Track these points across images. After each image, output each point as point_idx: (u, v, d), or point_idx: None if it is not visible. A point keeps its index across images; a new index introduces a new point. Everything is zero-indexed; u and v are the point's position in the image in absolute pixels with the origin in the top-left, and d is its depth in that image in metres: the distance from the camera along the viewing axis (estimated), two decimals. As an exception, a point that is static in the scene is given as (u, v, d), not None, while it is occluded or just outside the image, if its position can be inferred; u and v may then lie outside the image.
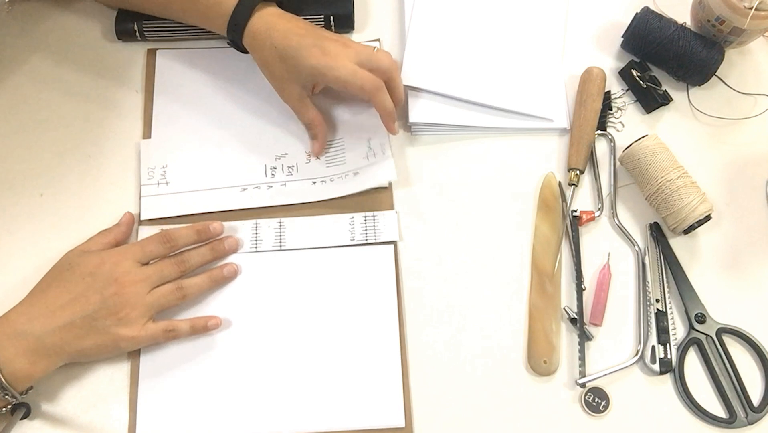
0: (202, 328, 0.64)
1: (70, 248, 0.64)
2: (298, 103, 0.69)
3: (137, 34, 0.75)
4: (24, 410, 0.60)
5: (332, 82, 0.66)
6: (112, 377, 0.64)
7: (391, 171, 0.70)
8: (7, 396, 0.57)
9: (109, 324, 0.59)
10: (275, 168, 0.71)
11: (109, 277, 0.60)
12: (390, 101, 0.67)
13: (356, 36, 0.79)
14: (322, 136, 0.70)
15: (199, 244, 0.67)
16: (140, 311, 0.60)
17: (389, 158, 0.71)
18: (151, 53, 0.77)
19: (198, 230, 0.66)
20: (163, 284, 0.63)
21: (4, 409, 0.58)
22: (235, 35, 0.67)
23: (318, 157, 0.72)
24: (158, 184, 0.70)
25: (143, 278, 0.61)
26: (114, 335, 0.59)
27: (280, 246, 0.68)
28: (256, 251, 0.68)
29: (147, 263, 0.63)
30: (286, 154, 0.72)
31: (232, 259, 0.68)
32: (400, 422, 0.62)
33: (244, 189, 0.70)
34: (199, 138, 0.73)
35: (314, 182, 0.71)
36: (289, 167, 0.71)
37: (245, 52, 0.70)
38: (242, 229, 0.69)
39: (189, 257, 0.65)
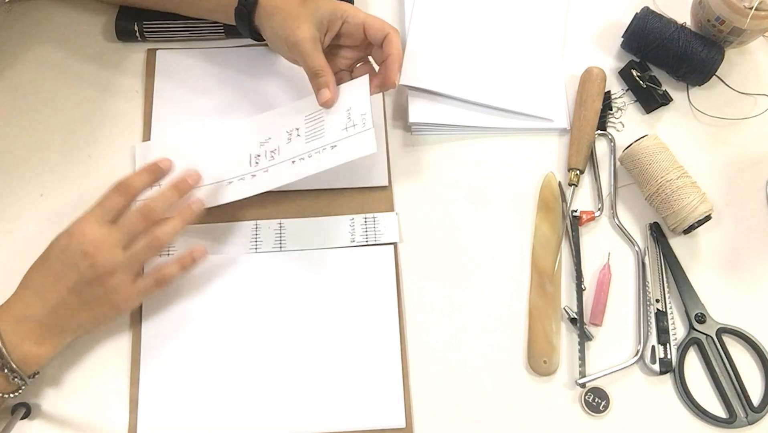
0: (191, 262, 0.63)
1: None
2: (310, 44, 0.66)
3: (137, 34, 0.75)
4: (24, 409, 0.60)
5: (352, 19, 0.67)
6: (112, 377, 0.63)
7: (371, 143, 0.64)
8: (16, 379, 0.57)
9: (97, 293, 0.59)
10: (258, 156, 0.69)
11: (78, 250, 0.59)
12: (399, 46, 0.68)
13: (356, 36, 0.79)
14: (333, 83, 0.67)
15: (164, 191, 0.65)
16: (121, 273, 0.60)
17: (370, 129, 0.65)
18: (151, 53, 0.77)
19: (149, 170, 0.65)
20: (137, 238, 0.62)
21: (12, 394, 0.59)
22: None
23: (329, 106, 0.68)
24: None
25: (113, 242, 0.60)
26: (107, 302, 0.60)
27: (281, 247, 0.68)
28: (257, 252, 0.68)
29: (114, 222, 0.62)
30: (269, 139, 0.70)
31: (233, 258, 0.68)
32: (401, 423, 0.62)
33: (230, 182, 0.68)
34: (198, 138, 0.72)
35: (293, 161, 0.67)
36: (271, 152, 0.69)
37: (251, 22, 0.69)
38: (242, 230, 0.69)
39: (154, 205, 0.63)
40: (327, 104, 0.68)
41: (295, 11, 0.66)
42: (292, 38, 0.66)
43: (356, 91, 0.68)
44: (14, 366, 0.57)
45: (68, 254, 0.59)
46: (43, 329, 0.58)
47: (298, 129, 0.69)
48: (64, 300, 0.59)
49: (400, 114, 0.75)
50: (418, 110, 0.74)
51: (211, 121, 0.74)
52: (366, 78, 0.69)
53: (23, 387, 0.59)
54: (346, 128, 0.66)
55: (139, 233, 0.61)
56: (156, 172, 0.65)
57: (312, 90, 0.68)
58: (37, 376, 0.60)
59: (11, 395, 0.59)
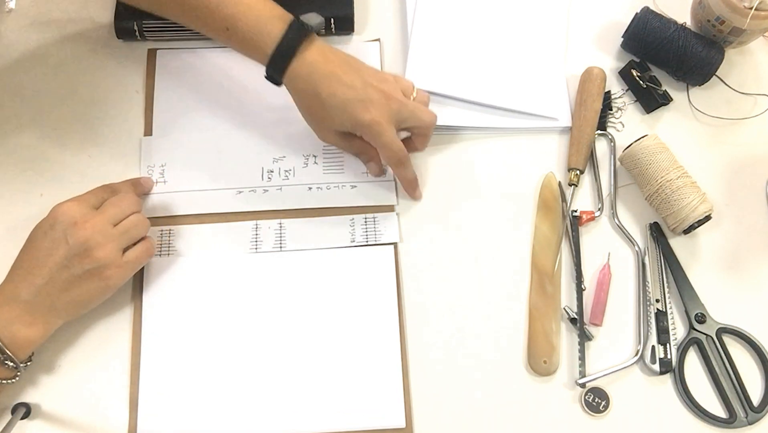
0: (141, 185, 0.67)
1: None
2: (339, 141, 0.68)
3: (137, 33, 0.75)
4: (24, 409, 0.60)
5: (369, 139, 0.66)
6: (112, 377, 0.64)
7: (392, 195, 0.71)
8: (8, 362, 0.57)
9: (87, 267, 0.59)
10: (272, 171, 0.71)
11: (68, 223, 0.59)
12: (411, 173, 0.69)
13: (356, 38, 0.79)
14: (375, 158, 0.70)
15: None
16: (111, 246, 0.60)
17: (391, 181, 0.71)
18: (152, 53, 0.77)
19: (133, 182, 0.68)
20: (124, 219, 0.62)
21: (9, 380, 0.59)
22: (275, 73, 0.64)
23: (415, 198, 0.71)
24: (156, 182, 0.70)
25: (102, 218, 0.61)
26: (96, 275, 0.59)
27: (281, 247, 0.68)
28: (257, 252, 0.68)
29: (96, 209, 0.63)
30: (284, 157, 0.72)
31: (233, 258, 0.68)
32: (401, 423, 0.62)
33: (240, 192, 0.70)
34: (198, 138, 0.73)
35: (310, 188, 0.71)
36: (285, 171, 0.71)
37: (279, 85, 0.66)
38: (242, 230, 0.69)
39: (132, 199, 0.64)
40: (377, 175, 0.71)
41: (318, 116, 0.66)
42: (315, 134, 0.68)
43: None
44: (5, 348, 0.57)
45: (56, 229, 0.59)
46: (32, 309, 0.58)
47: (315, 157, 0.72)
48: (53, 277, 0.58)
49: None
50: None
51: (214, 121, 0.74)
52: None
53: (18, 374, 0.59)
54: (365, 172, 0.72)
55: (125, 216, 0.62)
56: (138, 186, 0.68)
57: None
58: (30, 364, 0.60)
59: (7, 381, 0.59)
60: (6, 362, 0.57)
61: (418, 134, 0.68)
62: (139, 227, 0.63)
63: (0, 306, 0.58)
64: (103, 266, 0.59)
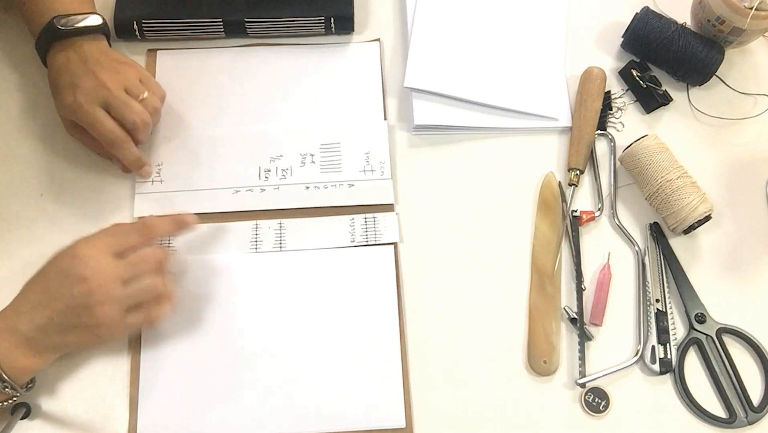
0: (163, 305, 0.62)
1: None
2: (74, 133, 0.70)
3: (137, 33, 0.75)
4: (24, 409, 0.60)
5: (81, 124, 0.67)
6: (112, 377, 0.64)
7: (389, 193, 0.70)
8: (7, 389, 0.57)
9: (84, 321, 0.58)
10: (269, 171, 0.71)
11: (80, 275, 0.58)
12: (131, 153, 0.68)
13: (356, 37, 0.79)
14: (124, 151, 0.68)
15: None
16: (113, 307, 0.58)
17: (389, 180, 0.71)
18: (151, 53, 0.77)
19: (175, 220, 0.65)
20: (139, 278, 0.61)
21: (5, 403, 0.59)
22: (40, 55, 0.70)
23: (142, 175, 0.70)
24: (152, 181, 0.70)
25: (114, 275, 0.59)
26: (90, 332, 0.59)
27: (281, 247, 0.68)
28: (257, 252, 0.68)
29: (122, 256, 0.61)
30: (281, 156, 0.72)
31: (233, 258, 0.68)
32: (401, 423, 0.62)
33: (237, 191, 0.70)
34: (196, 138, 0.73)
35: (307, 187, 0.70)
36: (283, 170, 0.71)
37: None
38: (242, 230, 0.69)
39: (164, 255, 0.62)
40: (138, 173, 0.70)
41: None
42: (65, 100, 0.67)
43: (376, 136, 0.71)
44: (4, 376, 0.56)
45: (67, 276, 0.58)
46: (30, 344, 0.58)
47: (313, 155, 0.72)
48: (52, 320, 0.58)
49: (401, 115, 0.75)
50: (423, 112, 0.74)
51: (212, 121, 0.74)
52: (385, 124, 0.73)
53: (15, 397, 0.59)
54: (363, 171, 0.71)
55: (144, 275, 0.61)
56: (181, 224, 0.65)
57: (328, 118, 0.73)
58: (32, 387, 0.60)
59: (2, 404, 0.58)
60: (6, 389, 0.57)
61: (127, 129, 0.67)
62: (151, 294, 0.61)
63: (1, 334, 0.57)
64: (99, 324, 0.58)
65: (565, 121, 0.75)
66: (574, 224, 0.71)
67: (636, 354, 0.65)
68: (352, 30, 0.78)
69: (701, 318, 0.67)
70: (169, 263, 0.63)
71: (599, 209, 0.72)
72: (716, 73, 0.76)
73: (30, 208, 0.69)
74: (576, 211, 0.71)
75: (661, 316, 0.67)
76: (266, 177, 0.71)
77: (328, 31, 0.77)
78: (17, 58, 0.76)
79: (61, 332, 0.58)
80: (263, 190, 0.70)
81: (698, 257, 0.70)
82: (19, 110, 0.73)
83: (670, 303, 0.68)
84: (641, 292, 0.68)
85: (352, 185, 0.71)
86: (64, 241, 0.65)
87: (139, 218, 0.68)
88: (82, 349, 0.62)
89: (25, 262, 0.66)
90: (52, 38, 0.68)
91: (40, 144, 0.72)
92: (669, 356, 0.65)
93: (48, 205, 0.70)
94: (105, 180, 0.71)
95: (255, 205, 0.70)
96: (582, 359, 0.65)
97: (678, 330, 0.67)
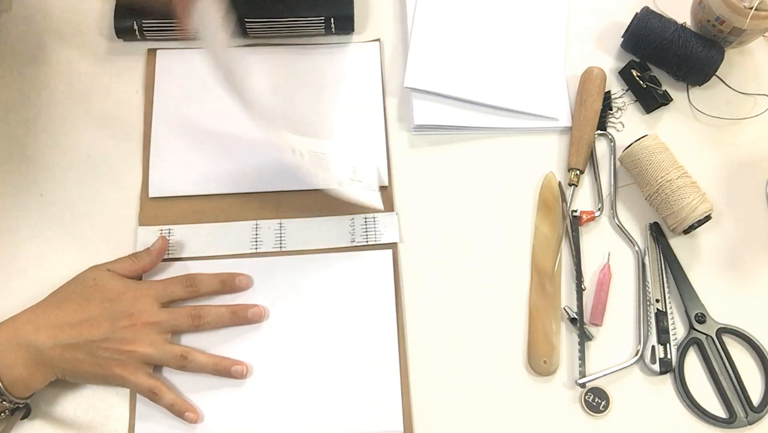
0: (179, 412, 0.61)
1: (78, 254, 0.65)
2: None
3: (137, 32, 0.75)
4: (24, 410, 0.60)
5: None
6: (112, 377, 0.64)
7: (378, 201, 0.69)
8: (5, 402, 0.57)
9: (108, 356, 0.58)
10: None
11: (126, 309, 0.60)
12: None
13: (356, 37, 0.79)
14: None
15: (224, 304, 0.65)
16: (140, 355, 0.59)
17: (376, 191, 0.70)
18: (151, 53, 0.77)
19: (222, 280, 0.65)
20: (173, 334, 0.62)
21: (2, 413, 0.58)
22: None
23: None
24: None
25: (156, 321, 0.60)
26: (107, 369, 0.59)
27: (281, 247, 0.68)
28: (256, 252, 0.68)
29: (166, 305, 0.63)
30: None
31: (233, 259, 0.68)
32: (399, 427, 0.62)
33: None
34: (196, 138, 0.72)
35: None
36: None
37: None
38: (242, 230, 0.69)
39: (207, 313, 0.63)
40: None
41: None
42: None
43: (366, 159, 0.71)
44: (3, 390, 0.56)
45: (114, 306, 0.59)
46: (41, 359, 0.57)
47: (302, 154, 0.69)
48: (78, 344, 0.58)
49: (400, 115, 0.75)
50: (423, 112, 0.74)
51: (212, 121, 0.74)
52: (374, 164, 0.71)
53: (13, 407, 0.58)
54: (351, 180, 0.69)
55: (179, 330, 0.62)
56: (229, 284, 0.65)
57: (319, 132, 0.72)
58: (30, 397, 0.60)
59: (0, 414, 0.58)
60: (3, 402, 0.57)
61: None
62: (171, 360, 0.61)
63: (10, 346, 0.57)
64: (120, 362, 0.58)
65: (565, 121, 0.75)
66: (574, 224, 0.71)
67: (636, 354, 0.65)
68: (352, 30, 0.78)
69: (701, 318, 0.67)
70: (206, 325, 0.63)
71: (599, 209, 0.72)
72: (716, 73, 0.76)
73: (30, 208, 0.69)
74: (576, 211, 0.71)
75: (661, 316, 0.67)
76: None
77: (328, 31, 0.77)
78: (16, 57, 0.76)
79: (79, 359, 0.58)
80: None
81: (698, 257, 0.70)
82: (18, 109, 0.73)
83: (670, 303, 0.68)
84: (641, 292, 0.68)
85: (341, 184, 0.68)
86: (64, 242, 0.66)
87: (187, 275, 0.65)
88: (82, 382, 0.62)
89: (25, 263, 0.66)
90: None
91: (40, 143, 0.72)
92: (669, 356, 0.65)
93: (48, 205, 0.69)
94: (105, 180, 0.71)
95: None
96: (582, 359, 0.65)
97: (678, 330, 0.67)
